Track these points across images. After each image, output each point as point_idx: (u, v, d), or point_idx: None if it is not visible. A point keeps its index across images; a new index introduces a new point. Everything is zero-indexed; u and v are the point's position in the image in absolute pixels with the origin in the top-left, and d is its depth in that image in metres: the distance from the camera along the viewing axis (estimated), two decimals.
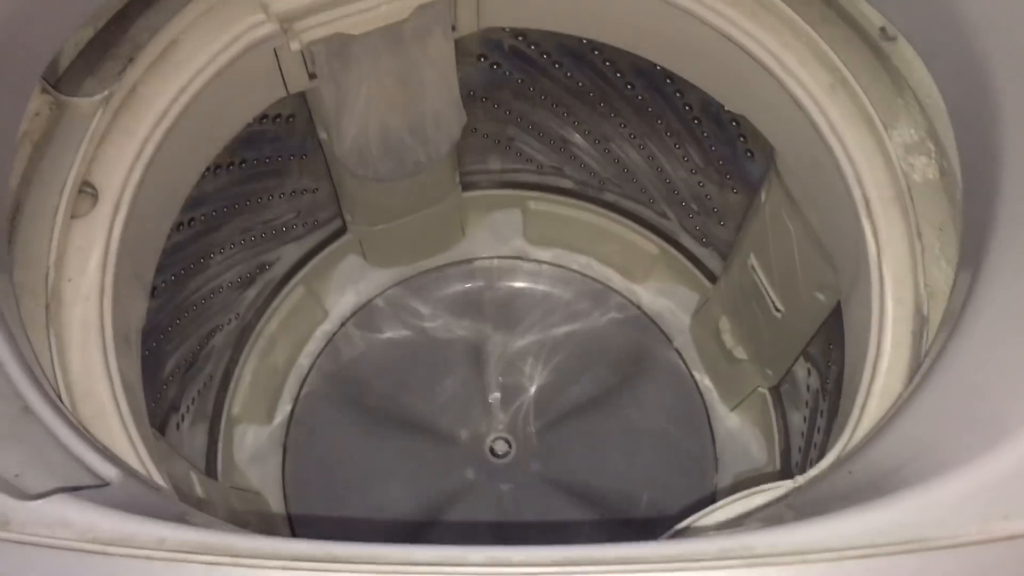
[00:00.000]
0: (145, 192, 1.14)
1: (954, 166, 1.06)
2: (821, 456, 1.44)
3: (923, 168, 1.08)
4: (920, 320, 1.02)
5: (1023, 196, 0.85)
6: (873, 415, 0.99)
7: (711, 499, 1.86)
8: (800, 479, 0.96)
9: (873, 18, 1.14)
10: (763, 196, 1.49)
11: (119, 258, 1.10)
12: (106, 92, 1.11)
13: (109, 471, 0.83)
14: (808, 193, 1.31)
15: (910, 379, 0.99)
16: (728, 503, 0.96)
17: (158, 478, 0.97)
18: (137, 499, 0.85)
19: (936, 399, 0.83)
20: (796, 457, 1.67)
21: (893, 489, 0.73)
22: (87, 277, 1.06)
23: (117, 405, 1.02)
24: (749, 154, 1.50)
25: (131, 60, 1.13)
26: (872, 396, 1.01)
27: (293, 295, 1.88)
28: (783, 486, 0.97)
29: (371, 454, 1.90)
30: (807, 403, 1.61)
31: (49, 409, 0.87)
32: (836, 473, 0.89)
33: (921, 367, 0.94)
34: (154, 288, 1.37)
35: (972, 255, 0.90)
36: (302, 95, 1.42)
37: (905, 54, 1.11)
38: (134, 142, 1.12)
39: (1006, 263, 0.83)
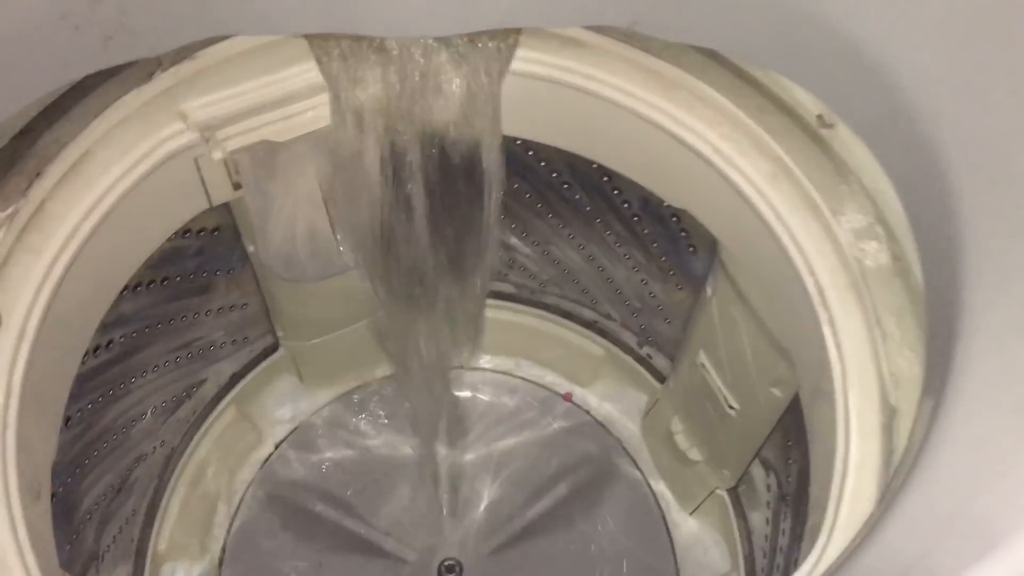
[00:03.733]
0: (54, 316, 1.05)
1: (905, 250, 1.04)
2: (789, 561, 1.38)
3: (875, 253, 1.05)
4: (888, 411, 0.97)
5: (989, 276, 0.82)
6: (847, 515, 0.93)
7: None
8: None
9: (810, 106, 1.12)
10: (709, 291, 1.45)
11: (23, 391, 1.00)
12: (10, 209, 1.03)
13: None
14: (757, 285, 1.27)
15: (884, 476, 0.93)
16: None
17: None
18: None
19: (919, 507, 0.77)
20: (761, 562, 1.60)
21: None
22: None
23: (23, 559, 0.91)
24: (692, 249, 1.47)
25: (38, 175, 1.06)
26: (845, 495, 0.95)
27: (223, 418, 1.77)
28: None
29: None
30: (768, 504, 1.54)
31: None
32: None
33: (899, 469, 0.88)
34: (68, 419, 1.27)
35: (942, 344, 0.86)
36: (227, 206, 1.36)
37: (845, 140, 1.09)
38: (41, 262, 1.04)
39: (981, 351, 0.78)
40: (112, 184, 1.10)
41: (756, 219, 1.13)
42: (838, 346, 1.02)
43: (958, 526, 0.71)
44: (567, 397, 1.96)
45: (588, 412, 1.94)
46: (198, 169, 1.20)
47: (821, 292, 1.05)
